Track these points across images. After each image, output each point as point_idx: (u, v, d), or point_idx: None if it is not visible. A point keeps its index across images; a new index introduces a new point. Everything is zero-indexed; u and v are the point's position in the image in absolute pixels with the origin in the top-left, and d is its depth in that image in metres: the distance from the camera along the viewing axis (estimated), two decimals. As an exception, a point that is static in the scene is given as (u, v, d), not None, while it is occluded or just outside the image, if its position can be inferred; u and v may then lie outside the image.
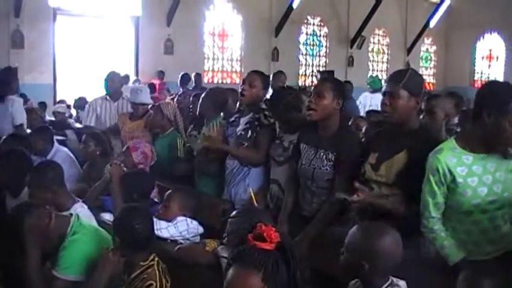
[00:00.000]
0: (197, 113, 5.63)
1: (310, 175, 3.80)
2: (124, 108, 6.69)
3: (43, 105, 11.79)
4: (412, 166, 3.13)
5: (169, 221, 3.76)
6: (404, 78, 3.18)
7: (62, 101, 12.43)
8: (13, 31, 13.15)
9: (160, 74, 14.51)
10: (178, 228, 3.72)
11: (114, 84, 6.85)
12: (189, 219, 3.80)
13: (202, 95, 5.52)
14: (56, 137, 6.29)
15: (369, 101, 10.40)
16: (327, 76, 4.18)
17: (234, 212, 3.13)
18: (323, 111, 3.71)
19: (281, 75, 11.06)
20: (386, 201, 3.13)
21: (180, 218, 3.78)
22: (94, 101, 6.83)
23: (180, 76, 11.49)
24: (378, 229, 2.40)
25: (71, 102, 12.06)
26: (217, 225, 4.26)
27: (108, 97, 6.72)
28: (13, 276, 3.33)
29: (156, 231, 3.55)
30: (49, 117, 10.02)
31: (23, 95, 12.78)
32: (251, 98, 4.61)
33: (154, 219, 3.61)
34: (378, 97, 6.56)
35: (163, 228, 3.67)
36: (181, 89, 10.75)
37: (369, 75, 22.10)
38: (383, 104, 3.25)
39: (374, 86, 10.83)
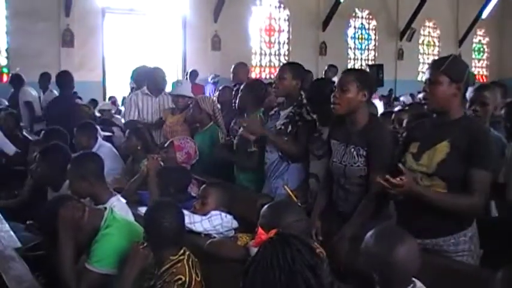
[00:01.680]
0: (236, 106, 5.61)
1: (342, 172, 3.70)
2: (166, 103, 6.71)
3: (94, 102, 12.04)
4: (454, 156, 3.04)
5: (204, 215, 3.75)
6: (444, 63, 3.08)
7: (111, 98, 12.66)
8: (63, 30, 13.49)
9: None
10: (212, 222, 3.71)
11: (158, 80, 6.83)
12: (223, 214, 3.78)
13: (241, 88, 5.50)
14: (103, 133, 6.42)
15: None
16: (350, 68, 4.08)
17: (264, 207, 3.08)
18: (347, 105, 3.58)
19: (333, 69, 11.10)
20: (431, 191, 3.04)
21: (214, 212, 3.77)
22: (135, 95, 6.81)
23: (189, 72, 11.58)
24: (392, 239, 2.32)
25: (120, 99, 12.27)
26: (255, 220, 4.25)
27: (149, 92, 6.73)
28: (49, 269, 3.39)
29: (190, 225, 3.57)
30: (99, 114, 10.20)
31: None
32: (283, 90, 4.55)
33: (189, 213, 3.62)
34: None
35: (197, 222, 3.67)
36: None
37: (419, 68, 21.81)
38: (423, 90, 3.19)
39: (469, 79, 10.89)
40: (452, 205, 3.03)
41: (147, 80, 6.81)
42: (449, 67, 3.07)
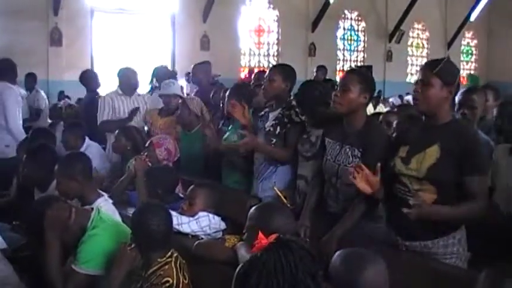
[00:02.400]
0: (225, 111, 5.56)
1: (335, 171, 3.69)
2: (140, 103, 6.64)
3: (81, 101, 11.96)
4: (445, 161, 3.03)
5: (191, 216, 3.73)
6: (438, 66, 3.08)
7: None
8: (52, 29, 13.42)
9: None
10: (200, 223, 3.69)
11: (132, 80, 6.71)
12: (211, 215, 3.76)
13: (228, 91, 5.46)
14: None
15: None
16: (355, 68, 4.07)
17: (252, 208, 3.07)
18: (349, 105, 3.56)
19: (322, 69, 11.13)
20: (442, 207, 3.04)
21: (202, 213, 3.74)
22: (107, 96, 6.68)
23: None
24: (360, 262, 2.27)
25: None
26: (243, 221, 4.24)
27: (122, 92, 6.62)
28: (36, 269, 3.36)
29: (177, 226, 3.54)
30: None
31: (60, 92, 13.06)
32: (272, 92, 4.55)
33: (176, 214, 3.60)
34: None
35: (184, 223, 3.65)
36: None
37: (408, 70, 21.90)
38: (415, 91, 3.15)
39: (474, 82, 11.24)
40: (463, 216, 3.06)
41: (119, 80, 6.71)
42: (442, 70, 3.07)
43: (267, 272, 1.87)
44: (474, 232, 3.24)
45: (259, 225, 2.81)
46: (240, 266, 1.99)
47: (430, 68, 3.11)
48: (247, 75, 15.34)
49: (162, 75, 7.43)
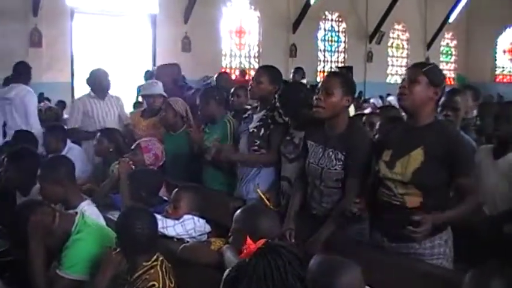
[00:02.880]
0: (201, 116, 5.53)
1: (319, 174, 3.68)
2: (114, 105, 6.57)
3: (62, 103, 11.86)
4: (430, 164, 3.06)
5: (176, 219, 3.71)
6: (426, 66, 3.13)
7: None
8: (31, 30, 13.27)
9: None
10: (185, 226, 3.67)
11: (103, 82, 6.58)
12: (196, 218, 3.75)
13: (201, 97, 5.42)
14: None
15: None
16: (336, 70, 4.04)
17: (237, 211, 3.06)
18: (331, 109, 3.53)
19: (299, 71, 11.16)
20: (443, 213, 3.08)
21: (187, 217, 3.73)
22: (79, 100, 6.60)
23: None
24: (335, 269, 2.26)
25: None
26: (227, 223, 4.23)
27: (95, 95, 6.51)
28: (19, 274, 3.33)
29: (162, 230, 3.52)
30: (67, 115, 10.04)
31: (40, 94, 12.91)
32: (258, 94, 4.57)
33: (161, 218, 3.58)
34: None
35: (169, 227, 3.63)
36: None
37: (388, 71, 22.04)
38: (401, 87, 3.16)
39: (460, 82, 11.55)
40: (466, 214, 3.11)
41: (91, 83, 6.60)
42: (430, 70, 3.11)
43: (257, 278, 1.87)
44: (458, 233, 3.28)
45: (245, 228, 2.82)
46: (227, 271, 1.99)
47: (419, 66, 3.16)
48: (238, 77, 15.36)
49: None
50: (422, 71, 3.09)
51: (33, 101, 7.03)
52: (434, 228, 3.11)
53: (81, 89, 13.77)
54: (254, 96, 4.65)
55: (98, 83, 6.53)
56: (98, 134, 5.67)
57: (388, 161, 3.20)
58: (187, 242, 3.57)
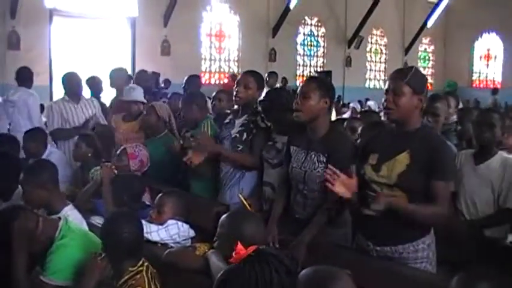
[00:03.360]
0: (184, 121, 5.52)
1: (302, 178, 3.73)
2: (89, 109, 6.55)
3: (40, 107, 11.72)
4: (414, 167, 3.09)
5: (160, 224, 3.71)
6: (408, 75, 3.12)
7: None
8: (9, 32, 13.13)
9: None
10: (169, 231, 3.67)
11: (74, 86, 6.62)
12: (180, 223, 3.75)
13: (183, 102, 5.44)
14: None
15: None
16: (313, 75, 4.08)
17: (223, 216, 3.07)
18: (309, 112, 3.63)
19: (274, 75, 11.21)
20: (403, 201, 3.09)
21: (170, 222, 3.72)
22: (54, 104, 6.58)
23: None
24: (325, 278, 2.27)
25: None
26: (211, 228, 4.23)
27: (69, 99, 6.50)
28: (1, 280, 3.28)
29: (146, 235, 3.50)
30: (45, 119, 9.94)
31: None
32: (247, 99, 4.55)
33: (145, 223, 3.56)
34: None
35: (153, 232, 3.62)
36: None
37: (367, 76, 22.20)
38: (386, 100, 3.18)
39: (452, 88, 11.84)
40: (422, 214, 3.09)
41: (64, 87, 6.64)
42: (412, 78, 3.12)
43: (242, 283, 1.89)
44: (439, 238, 3.31)
45: (231, 233, 2.83)
46: (219, 275, 2.00)
47: (400, 77, 3.15)
48: (229, 80, 15.28)
49: (116, 78, 7.45)
50: (405, 82, 3.10)
51: (36, 103, 7.43)
52: (417, 232, 3.16)
53: (60, 92, 13.72)
54: (240, 102, 4.58)
55: (69, 87, 6.57)
56: (76, 138, 5.63)
57: (374, 164, 3.23)
58: (172, 247, 3.56)
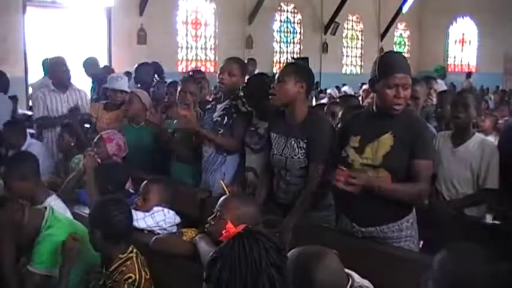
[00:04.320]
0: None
1: (283, 164, 3.78)
2: (75, 99, 6.38)
3: (14, 98, 11.59)
4: (398, 148, 3.15)
5: (146, 211, 3.72)
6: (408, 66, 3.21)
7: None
8: (-19, 24, 12.93)
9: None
10: (155, 218, 3.68)
11: (58, 74, 6.40)
12: (166, 210, 3.75)
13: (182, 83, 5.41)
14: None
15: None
16: (291, 61, 4.16)
17: (222, 198, 3.06)
18: (284, 95, 3.69)
19: (253, 62, 11.28)
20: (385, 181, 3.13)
21: (156, 208, 3.73)
22: (40, 92, 6.37)
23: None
24: (311, 259, 2.29)
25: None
26: (194, 214, 4.25)
27: (55, 88, 6.33)
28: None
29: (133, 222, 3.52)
30: (21, 111, 9.85)
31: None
32: (231, 86, 4.56)
33: (131, 210, 3.57)
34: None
35: (139, 219, 3.62)
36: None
37: (343, 62, 22.29)
38: (401, 97, 3.16)
39: (439, 72, 12.14)
40: (404, 193, 3.15)
41: (48, 75, 6.48)
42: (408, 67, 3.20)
43: (231, 261, 1.92)
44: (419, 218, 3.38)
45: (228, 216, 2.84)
46: (211, 253, 2.03)
47: (408, 70, 3.20)
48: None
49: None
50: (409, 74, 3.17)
51: (7, 108, 6.90)
52: (400, 211, 3.22)
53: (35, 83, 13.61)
54: (225, 89, 4.59)
55: (54, 75, 6.40)
56: (59, 128, 5.60)
57: (357, 146, 3.27)
58: (158, 233, 3.57)
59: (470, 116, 4.11)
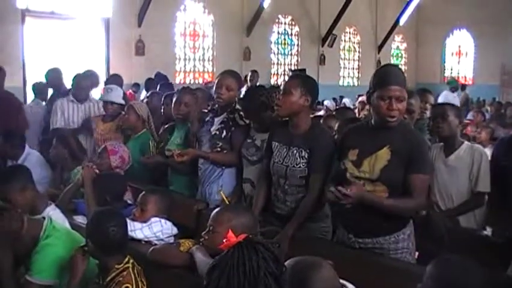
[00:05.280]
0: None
1: (283, 173, 3.81)
2: (92, 111, 6.59)
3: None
4: (395, 162, 3.17)
5: (143, 222, 3.74)
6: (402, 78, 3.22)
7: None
8: (-21, 33, 12.96)
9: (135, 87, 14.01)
10: (152, 229, 3.70)
11: (82, 87, 6.71)
12: (163, 220, 3.78)
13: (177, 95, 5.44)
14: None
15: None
16: (297, 73, 4.18)
17: (215, 210, 3.09)
18: (289, 107, 3.72)
19: (256, 74, 11.41)
20: (380, 196, 3.17)
21: (154, 219, 3.76)
22: (59, 102, 6.61)
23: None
24: (306, 269, 2.30)
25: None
26: (191, 225, 4.28)
27: (74, 99, 6.57)
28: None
29: (130, 233, 3.52)
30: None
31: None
32: (229, 100, 4.59)
33: (129, 221, 3.59)
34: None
35: (137, 230, 3.65)
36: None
37: (340, 73, 22.36)
38: (394, 109, 3.18)
39: (452, 84, 12.38)
40: (400, 208, 3.19)
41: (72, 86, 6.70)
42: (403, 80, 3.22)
43: (229, 269, 1.95)
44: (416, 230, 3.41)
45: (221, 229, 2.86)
46: (212, 261, 2.06)
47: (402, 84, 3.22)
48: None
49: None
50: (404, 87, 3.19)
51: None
52: (398, 224, 3.25)
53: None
54: (222, 103, 4.60)
55: (73, 88, 6.70)
56: (54, 139, 5.63)
57: (355, 160, 3.30)
58: (156, 244, 3.59)
59: (450, 124, 4.19)
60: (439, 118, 4.22)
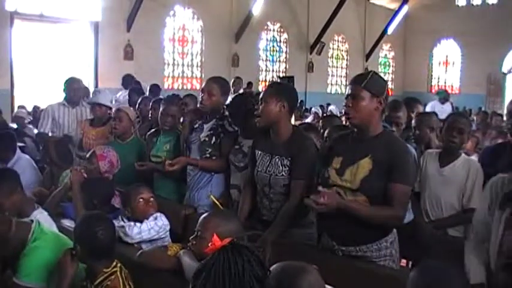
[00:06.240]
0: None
1: (267, 182, 3.84)
2: (84, 115, 6.64)
3: (-1, 111, 11.56)
4: (376, 172, 3.18)
5: (145, 218, 3.88)
6: (365, 79, 3.22)
7: (21, 107, 12.24)
8: (-32, 35, 12.90)
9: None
10: (157, 223, 3.88)
11: (73, 90, 6.77)
12: (163, 216, 3.96)
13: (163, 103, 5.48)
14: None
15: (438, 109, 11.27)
16: (273, 81, 4.21)
17: (203, 216, 3.12)
18: (267, 116, 3.76)
19: (239, 81, 11.45)
20: (356, 204, 3.18)
21: (156, 214, 3.93)
22: (50, 106, 6.73)
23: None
24: (292, 274, 2.25)
25: (30, 109, 11.91)
26: (178, 230, 4.30)
27: (66, 103, 6.66)
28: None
29: (137, 235, 3.71)
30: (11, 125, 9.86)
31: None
32: (211, 106, 4.62)
33: (132, 223, 3.76)
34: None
35: (144, 231, 3.81)
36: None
37: (328, 81, 22.48)
38: (346, 106, 3.27)
39: (441, 96, 12.56)
40: (376, 217, 3.19)
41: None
42: (370, 83, 3.22)
43: (214, 272, 1.99)
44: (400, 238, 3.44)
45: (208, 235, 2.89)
46: (198, 265, 2.10)
47: (358, 82, 3.26)
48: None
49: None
50: (363, 86, 3.20)
51: None
52: (380, 232, 3.28)
53: (22, 96, 13.57)
54: (206, 109, 4.66)
55: (66, 92, 6.78)
56: (44, 143, 5.65)
57: (338, 168, 3.32)
58: (142, 248, 3.64)
59: (464, 140, 4.24)
60: (456, 132, 4.20)
